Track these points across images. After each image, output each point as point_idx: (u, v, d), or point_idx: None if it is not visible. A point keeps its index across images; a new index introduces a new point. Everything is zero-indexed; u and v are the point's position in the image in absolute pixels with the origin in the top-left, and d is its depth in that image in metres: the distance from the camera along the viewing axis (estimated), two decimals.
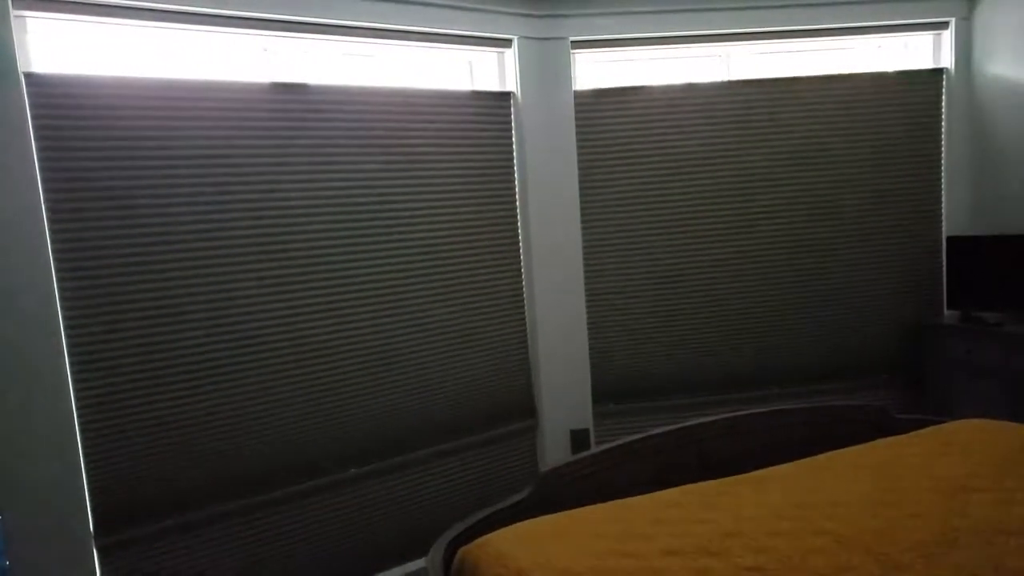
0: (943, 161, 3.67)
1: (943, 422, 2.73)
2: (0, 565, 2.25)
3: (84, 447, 2.39)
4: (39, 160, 2.30)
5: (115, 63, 2.56)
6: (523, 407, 3.44)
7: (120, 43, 2.58)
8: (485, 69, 3.38)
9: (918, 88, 3.63)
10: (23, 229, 2.26)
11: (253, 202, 2.68)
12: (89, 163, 2.38)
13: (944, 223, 3.70)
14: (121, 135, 2.43)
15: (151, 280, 2.49)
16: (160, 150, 2.50)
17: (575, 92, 3.41)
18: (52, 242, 2.32)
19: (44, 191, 2.31)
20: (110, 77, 2.42)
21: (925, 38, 3.71)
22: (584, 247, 3.49)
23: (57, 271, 2.33)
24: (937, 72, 3.65)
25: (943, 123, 3.65)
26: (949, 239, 3.54)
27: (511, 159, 3.33)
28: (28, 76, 2.28)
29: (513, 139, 3.33)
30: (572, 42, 3.38)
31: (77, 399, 2.37)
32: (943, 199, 3.69)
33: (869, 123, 3.59)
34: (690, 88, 3.48)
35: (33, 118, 2.29)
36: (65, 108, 2.34)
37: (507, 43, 3.27)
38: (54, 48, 2.43)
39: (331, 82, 2.85)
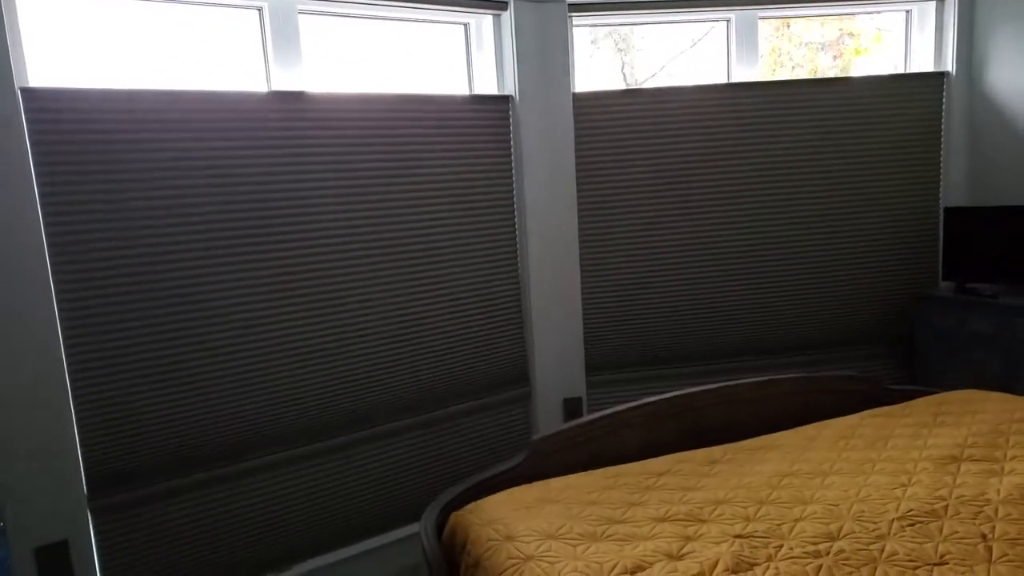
0: (942, 134, 3.64)
1: (935, 393, 2.74)
2: None
3: (76, 408, 2.38)
4: (36, 175, 2.27)
5: (112, 72, 2.52)
6: (516, 375, 3.44)
7: (115, 47, 2.53)
8: (484, 68, 3.34)
9: (919, 85, 3.60)
10: (22, 251, 2.25)
11: (256, 202, 2.67)
12: (87, 175, 2.35)
13: (942, 194, 3.68)
14: (119, 148, 2.40)
15: (151, 270, 2.48)
16: (159, 162, 2.47)
17: (574, 94, 3.37)
18: (50, 255, 2.31)
19: (42, 204, 2.29)
20: (107, 90, 2.37)
21: (927, 37, 3.67)
22: (580, 220, 3.46)
23: (54, 272, 2.32)
24: (939, 75, 3.61)
25: (943, 110, 3.62)
26: (947, 210, 3.52)
27: (508, 145, 3.31)
28: (24, 91, 2.24)
29: (511, 128, 3.30)
30: (569, 5, 3.32)
31: (68, 357, 2.36)
32: (941, 170, 3.67)
33: (869, 117, 3.56)
34: (690, 90, 3.45)
35: (30, 133, 2.25)
36: (62, 122, 2.30)
37: (503, 5, 3.21)
38: (50, 60, 2.38)
39: (329, 90, 2.83)
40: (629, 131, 3.44)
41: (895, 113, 3.58)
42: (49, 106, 2.28)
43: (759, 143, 3.51)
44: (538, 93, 3.31)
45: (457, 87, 3.35)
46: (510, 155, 3.32)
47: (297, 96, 2.74)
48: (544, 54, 3.31)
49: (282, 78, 2.79)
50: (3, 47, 2.17)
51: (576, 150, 3.41)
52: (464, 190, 3.18)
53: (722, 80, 3.56)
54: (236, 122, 2.62)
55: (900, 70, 3.74)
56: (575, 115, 3.39)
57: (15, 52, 2.23)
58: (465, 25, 3.30)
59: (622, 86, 3.71)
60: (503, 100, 3.28)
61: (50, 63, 2.38)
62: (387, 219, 2.98)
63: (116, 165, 2.40)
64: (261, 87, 2.78)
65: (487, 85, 3.34)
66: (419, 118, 3.03)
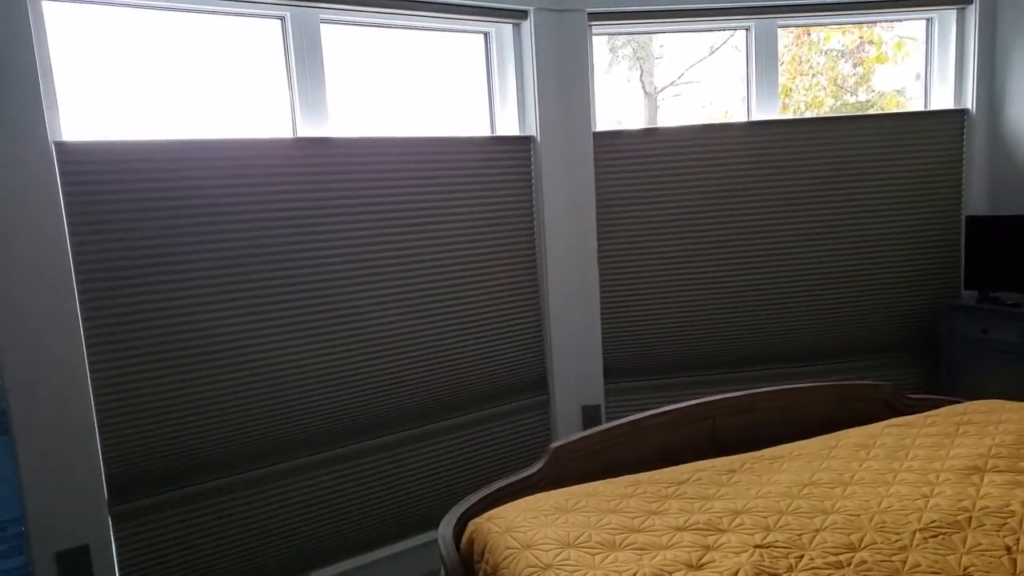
0: (964, 142, 3.61)
1: (958, 402, 2.71)
2: (16, 530, 2.29)
3: (98, 414, 2.41)
4: (68, 224, 2.33)
5: (142, 122, 2.59)
6: (535, 383, 3.45)
7: (144, 94, 2.60)
8: (507, 110, 3.39)
9: (940, 123, 3.61)
10: (53, 291, 2.31)
11: (284, 247, 2.74)
12: (116, 224, 2.42)
13: (963, 203, 3.65)
14: (147, 196, 2.46)
15: (175, 304, 2.54)
16: (187, 207, 2.53)
17: (595, 133, 3.41)
18: (79, 289, 2.37)
19: (73, 251, 2.35)
20: (136, 141, 2.44)
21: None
22: (599, 240, 3.48)
23: (80, 294, 2.37)
24: (959, 112, 3.62)
25: (964, 143, 3.61)
26: (968, 219, 3.49)
27: (530, 180, 3.36)
28: (58, 145, 2.30)
29: (532, 166, 3.35)
30: (589, 14, 3.33)
31: (91, 367, 2.40)
32: (963, 178, 3.64)
33: (891, 150, 3.57)
34: (712, 128, 3.48)
35: (63, 185, 2.32)
36: (93, 174, 2.37)
37: (523, 15, 3.23)
38: (81, 112, 2.45)
39: (354, 134, 2.89)
40: (649, 168, 3.48)
41: (917, 145, 3.60)
42: (81, 159, 2.35)
43: (780, 175, 3.54)
44: (559, 130, 3.36)
45: (479, 107, 3.38)
46: (531, 189, 3.36)
47: (322, 142, 2.80)
48: (565, 70, 3.32)
49: (306, 99, 2.83)
50: (38, 105, 2.24)
51: (596, 185, 3.46)
52: (487, 217, 3.24)
53: (741, 92, 3.57)
54: (263, 168, 2.69)
55: (920, 77, 3.73)
56: (595, 153, 3.43)
57: (49, 108, 2.30)
58: (486, 35, 3.32)
59: (641, 95, 3.72)
60: (525, 140, 3.32)
61: (81, 115, 2.45)
62: (414, 252, 3.04)
63: (144, 212, 2.47)
64: (286, 122, 2.85)
65: (509, 115, 3.38)
66: (443, 160, 3.10)
